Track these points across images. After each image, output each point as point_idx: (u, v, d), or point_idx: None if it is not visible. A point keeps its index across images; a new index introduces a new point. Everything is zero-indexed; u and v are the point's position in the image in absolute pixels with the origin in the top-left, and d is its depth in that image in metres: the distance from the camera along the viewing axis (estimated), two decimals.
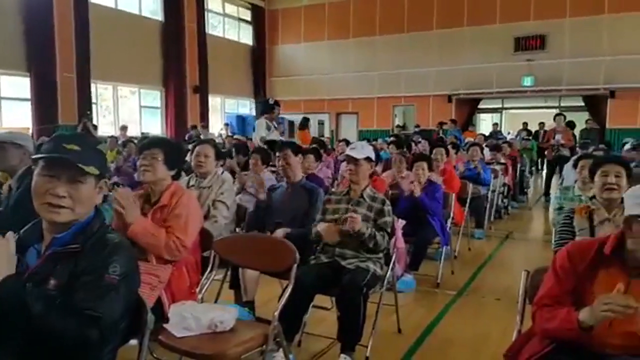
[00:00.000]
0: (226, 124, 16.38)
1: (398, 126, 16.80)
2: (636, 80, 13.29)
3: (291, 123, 19.15)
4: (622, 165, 2.67)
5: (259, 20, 18.91)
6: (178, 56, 15.22)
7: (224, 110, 18.38)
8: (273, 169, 5.00)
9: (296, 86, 18.45)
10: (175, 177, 2.70)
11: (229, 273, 3.32)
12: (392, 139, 9.48)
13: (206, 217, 3.27)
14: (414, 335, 3.30)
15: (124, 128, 12.49)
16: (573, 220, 2.73)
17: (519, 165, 9.08)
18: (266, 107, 7.65)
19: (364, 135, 15.87)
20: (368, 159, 3.11)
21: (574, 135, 10.10)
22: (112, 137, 10.15)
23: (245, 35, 18.96)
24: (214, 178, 3.52)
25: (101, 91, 14.07)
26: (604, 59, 13.60)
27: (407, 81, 16.27)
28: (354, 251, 2.96)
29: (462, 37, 15.39)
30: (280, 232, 3.26)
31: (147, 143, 2.65)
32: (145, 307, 1.62)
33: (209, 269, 2.63)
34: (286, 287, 2.40)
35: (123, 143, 8.64)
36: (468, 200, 5.82)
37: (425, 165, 4.66)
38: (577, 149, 9.11)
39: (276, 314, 2.27)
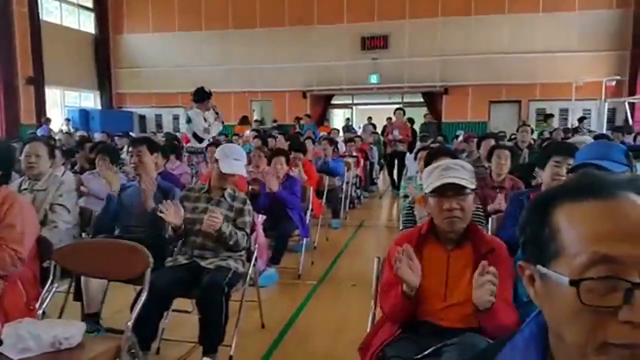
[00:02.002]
0: (67, 119, 14.86)
1: (256, 121, 16.82)
2: (465, 78, 15.04)
3: (142, 117, 18.09)
4: (451, 156, 3.00)
5: (102, 8, 17.42)
6: (7, 44, 13.48)
7: (64, 104, 16.64)
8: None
9: (146, 78, 17.41)
10: (4, 181, 2.37)
11: (74, 284, 3.00)
12: (254, 132, 9.46)
13: (43, 223, 2.92)
14: (278, 329, 3.34)
15: None
16: (414, 209, 2.99)
17: (369, 158, 9.72)
18: (199, 97, 6.64)
19: (222, 130, 15.58)
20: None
21: (414, 131, 11.00)
22: None
23: (86, 23, 17.32)
24: (50, 179, 3.15)
25: None
26: (438, 58, 15.11)
27: (263, 76, 16.35)
28: (214, 251, 2.88)
29: (313, 34, 15.91)
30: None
31: None
32: None
33: (49, 281, 2.36)
34: (139, 293, 2.25)
35: None
36: (325, 193, 6.06)
37: (283, 159, 4.71)
38: (419, 141, 9.92)
39: (129, 323, 2.12)
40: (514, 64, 14.52)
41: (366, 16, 15.54)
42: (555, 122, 11.62)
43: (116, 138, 10.26)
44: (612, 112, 13.33)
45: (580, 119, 11.35)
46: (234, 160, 2.99)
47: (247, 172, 5.67)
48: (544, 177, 2.67)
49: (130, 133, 12.50)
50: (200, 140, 6.40)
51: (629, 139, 8.38)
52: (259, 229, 3.28)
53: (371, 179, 10.22)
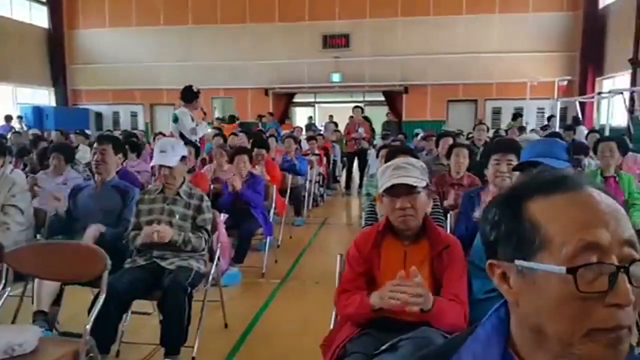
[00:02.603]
0: (19, 117, 14.25)
1: (218, 118, 16.60)
2: (424, 78, 15.32)
3: (98, 115, 17.56)
4: (410, 154, 3.07)
5: (55, 1, 16.77)
6: None
7: (16, 101, 15.95)
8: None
9: (102, 75, 16.91)
10: None
11: (28, 287, 2.90)
12: (214, 131, 9.34)
13: None
14: (241, 329, 3.32)
15: None
16: (376, 206, 3.04)
17: (331, 156, 9.77)
18: (188, 96, 6.42)
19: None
20: (183, 158, 2.98)
21: (372, 129, 11.13)
22: None
23: (38, 17, 16.64)
24: (1, 179, 3.02)
25: None
26: (398, 58, 15.32)
27: (225, 73, 16.15)
28: (174, 251, 2.83)
29: (274, 32, 15.83)
30: (92, 231, 2.95)
31: None
32: None
33: (1, 286, 2.27)
34: (97, 296, 2.20)
35: None
36: (288, 191, 6.06)
37: (246, 158, 4.67)
38: (381, 139, 10.04)
39: (88, 327, 2.06)
40: (471, 64, 14.89)
41: (328, 15, 15.59)
42: (524, 121, 11.98)
43: (72, 136, 9.91)
44: (564, 110, 13.87)
45: (515, 117, 11.70)
46: (160, 153, 2.90)
47: (210, 171, 5.67)
48: (488, 174, 2.76)
49: (86, 131, 12.11)
50: (186, 140, 6.24)
51: (579, 136, 8.74)
52: (221, 228, 3.25)
53: (334, 177, 10.29)
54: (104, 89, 16.99)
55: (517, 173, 2.37)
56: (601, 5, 13.54)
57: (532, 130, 10.12)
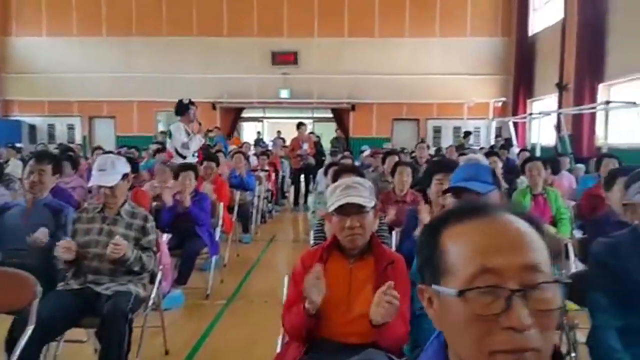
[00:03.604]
0: None
1: (162, 132, 16.17)
2: (370, 96, 15.63)
3: (32, 127, 16.63)
4: (358, 173, 3.09)
5: None
6: None
7: None
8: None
9: (37, 85, 16.03)
10: None
11: None
12: (156, 146, 9.05)
13: None
14: (183, 354, 3.18)
15: None
16: (324, 225, 3.02)
17: (280, 172, 9.72)
18: (180, 109, 6.17)
19: (122, 142, 14.76)
20: (125, 176, 2.80)
21: (320, 145, 11.22)
22: None
23: None
24: None
25: None
26: (345, 76, 15.58)
27: (169, 86, 15.73)
28: (111, 275, 2.66)
29: (222, 46, 15.68)
30: (41, 233, 2.76)
31: None
32: None
33: None
34: (18, 325, 2.02)
35: None
36: (236, 208, 5.95)
37: (192, 175, 4.49)
38: (330, 156, 10.09)
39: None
40: (414, 84, 15.35)
41: (276, 31, 15.63)
42: (471, 139, 12.43)
43: (1, 149, 9.31)
44: (499, 130, 14.55)
45: (466, 134, 12.17)
46: (99, 172, 2.71)
47: (152, 188, 5.46)
48: (431, 193, 2.83)
49: (18, 144, 11.43)
50: (182, 156, 5.97)
51: (513, 154, 9.18)
52: (164, 248, 3.11)
53: (282, 193, 10.23)
54: (39, 100, 16.13)
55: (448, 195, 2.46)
56: (531, 32, 14.38)
57: (481, 148, 10.54)
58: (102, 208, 2.79)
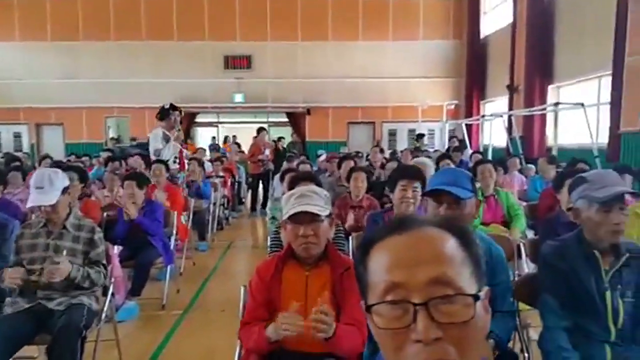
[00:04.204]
0: None
1: (112, 139, 15.72)
2: (325, 100, 15.74)
3: None
4: (314, 181, 3.13)
5: None
6: None
7: None
8: None
9: None
10: None
11: None
12: (107, 153, 8.80)
13: None
14: None
15: None
16: (281, 232, 3.02)
17: (236, 177, 9.64)
18: (161, 114, 5.90)
19: (71, 149, 14.24)
20: (65, 190, 2.69)
21: (278, 150, 11.17)
22: None
23: None
24: None
25: None
26: (300, 80, 15.63)
27: (119, 91, 15.35)
28: (62, 290, 2.58)
29: (173, 50, 15.40)
30: None
31: None
32: None
33: None
34: None
35: None
36: (191, 216, 5.86)
37: (134, 184, 4.30)
38: (286, 162, 10.05)
39: None
40: (368, 87, 15.57)
41: (228, 35, 15.50)
42: (426, 140, 12.62)
43: None
44: (452, 132, 14.95)
45: (418, 137, 12.40)
46: (37, 190, 2.57)
47: (102, 197, 5.31)
48: (394, 199, 2.88)
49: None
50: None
51: (465, 156, 9.46)
52: (115, 260, 3.04)
53: (239, 198, 10.15)
54: None
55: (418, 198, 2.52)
56: (482, 35, 14.84)
57: (436, 150, 10.79)
58: (45, 223, 2.68)
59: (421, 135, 12.35)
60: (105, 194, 5.27)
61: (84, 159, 10.06)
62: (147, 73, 15.33)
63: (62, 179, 2.69)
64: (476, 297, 0.71)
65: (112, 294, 2.89)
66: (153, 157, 5.97)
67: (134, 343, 3.44)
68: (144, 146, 12.66)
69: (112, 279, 2.90)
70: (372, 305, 0.72)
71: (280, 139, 12.27)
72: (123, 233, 4.09)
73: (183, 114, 6.32)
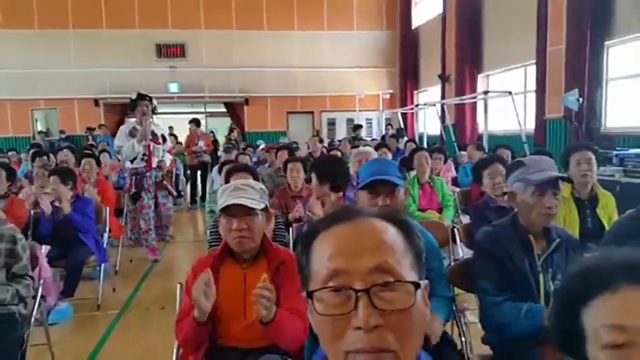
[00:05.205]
0: None
1: (41, 132, 14.80)
2: (263, 90, 15.56)
3: None
4: (251, 173, 3.11)
5: None
6: None
7: None
8: None
9: None
10: None
11: None
12: (34, 149, 8.27)
13: None
14: None
15: None
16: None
17: (174, 170, 9.37)
18: (130, 105, 5.34)
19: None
20: None
21: (216, 140, 11.00)
22: None
23: None
24: None
25: None
26: (237, 70, 15.33)
27: (45, 82, 14.43)
28: None
29: (102, 38, 14.65)
30: None
31: None
32: None
33: None
34: None
35: None
36: (125, 211, 5.65)
37: (57, 179, 4.08)
38: (224, 153, 9.88)
39: None
40: (306, 77, 15.56)
41: (160, 22, 14.90)
42: (363, 132, 12.77)
43: None
44: (389, 121, 15.28)
45: (356, 127, 12.60)
46: None
47: (31, 194, 5.00)
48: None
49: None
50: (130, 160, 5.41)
51: (401, 144, 9.72)
52: (43, 262, 2.88)
53: (177, 191, 9.88)
54: None
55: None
56: (414, 25, 15.22)
57: (374, 139, 10.97)
58: None
59: (358, 126, 12.55)
60: (33, 191, 4.96)
61: (10, 154, 9.48)
62: (74, 63, 14.52)
63: None
64: (417, 285, 0.72)
65: (42, 297, 2.74)
66: (119, 157, 5.57)
67: (69, 346, 3.30)
68: (75, 139, 12.10)
69: (41, 281, 2.75)
70: (314, 291, 0.72)
71: (232, 129, 12.08)
72: (50, 231, 3.88)
73: (155, 102, 5.72)
